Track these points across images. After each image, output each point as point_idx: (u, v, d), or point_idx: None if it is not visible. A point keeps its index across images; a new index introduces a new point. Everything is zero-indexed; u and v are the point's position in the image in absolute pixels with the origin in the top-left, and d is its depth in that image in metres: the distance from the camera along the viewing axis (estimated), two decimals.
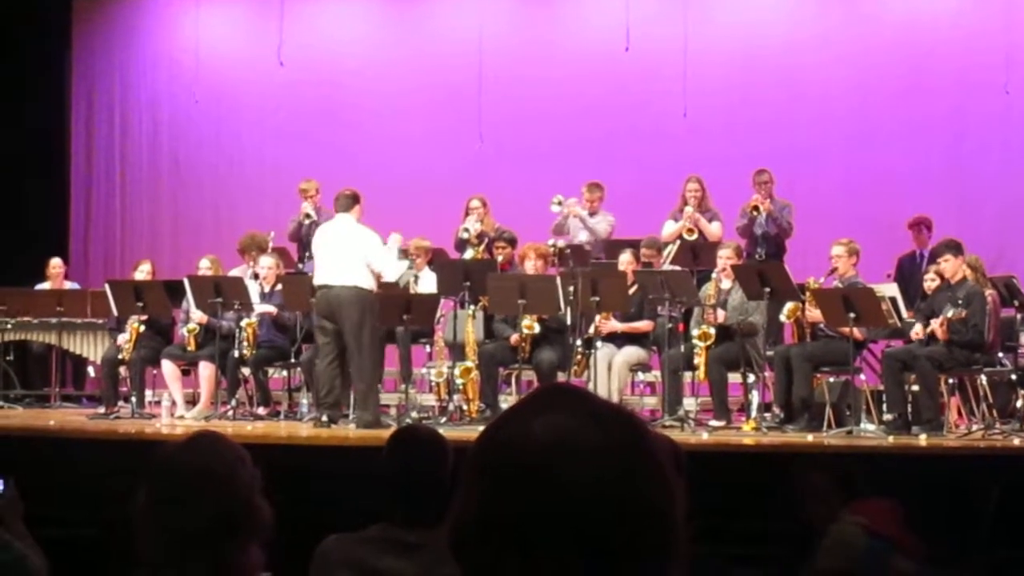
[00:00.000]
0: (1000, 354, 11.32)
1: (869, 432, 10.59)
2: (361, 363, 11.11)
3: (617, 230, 13.81)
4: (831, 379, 11.48)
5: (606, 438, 1.54)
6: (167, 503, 3.11)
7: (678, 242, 13.21)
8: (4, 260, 15.46)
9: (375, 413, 11.18)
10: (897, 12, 16.12)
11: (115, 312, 12.80)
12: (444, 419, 11.47)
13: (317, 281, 11.31)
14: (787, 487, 5.90)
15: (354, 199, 11.49)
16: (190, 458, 3.20)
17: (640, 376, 12.81)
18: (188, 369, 12.77)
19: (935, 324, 10.77)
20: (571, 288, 11.46)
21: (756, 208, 13.16)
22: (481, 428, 1.70)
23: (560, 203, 13.74)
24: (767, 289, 11.17)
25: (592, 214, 13.81)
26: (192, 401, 12.68)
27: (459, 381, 11.82)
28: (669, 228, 13.43)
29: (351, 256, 11.18)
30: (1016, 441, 10.14)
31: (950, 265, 11.03)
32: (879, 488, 5.88)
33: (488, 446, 1.58)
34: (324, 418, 11.06)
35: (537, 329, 11.72)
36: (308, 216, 13.57)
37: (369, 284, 11.24)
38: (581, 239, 13.68)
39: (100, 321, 13.77)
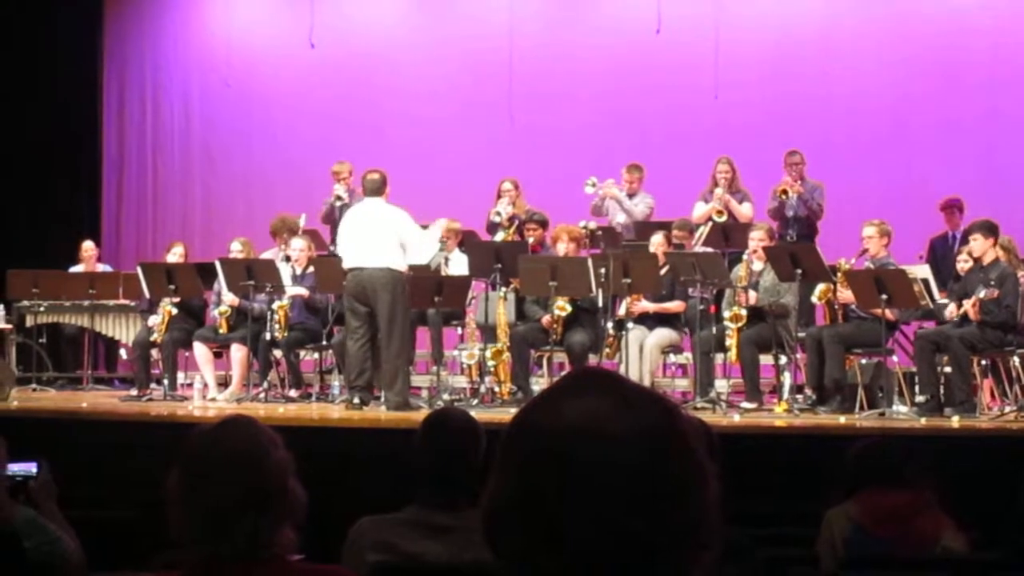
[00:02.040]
0: None
1: (901, 414, 10.56)
2: (394, 345, 11.10)
3: None
4: (863, 360, 11.44)
5: (637, 421, 1.54)
6: (199, 482, 3.12)
7: (709, 223, 13.16)
8: (37, 243, 15.55)
9: (405, 395, 11.17)
10: None
11: (147, 294, 12.83)
12: (476, 401, 11.49)
13: (348, 264, 11.24)
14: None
15: (383, 182, 11.44)
16: (222, 440, 3.21)
17: (672, 358, 12.77)
18: (220, 351, 12.80)
19: (967, 304, 10.72)
20: (602, 270, 11.43)
21: (785, 192, 13.12)
22: (513, 410, 1.70)
23: (594, 185, 13.69)
24: (799, 270, 11.12)
25: (631, 195, 13.74)
26: (224, 383, 12.74)
27: (490, 363, 11.80)
28: (699, 209, 13.39)
29: (384, 238, 11.11)
30: None
31: (979, 244, 10.96)
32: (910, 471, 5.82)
33: (520, 430, 1.58)
34: (356, 400, 11.05)
35: (569, 310, 11.71)
36: (340, 198, 13.54)
37: (401, 266, 11.20)
38: (619, 220, 13.64)
39: (132, 303, 13.81)
